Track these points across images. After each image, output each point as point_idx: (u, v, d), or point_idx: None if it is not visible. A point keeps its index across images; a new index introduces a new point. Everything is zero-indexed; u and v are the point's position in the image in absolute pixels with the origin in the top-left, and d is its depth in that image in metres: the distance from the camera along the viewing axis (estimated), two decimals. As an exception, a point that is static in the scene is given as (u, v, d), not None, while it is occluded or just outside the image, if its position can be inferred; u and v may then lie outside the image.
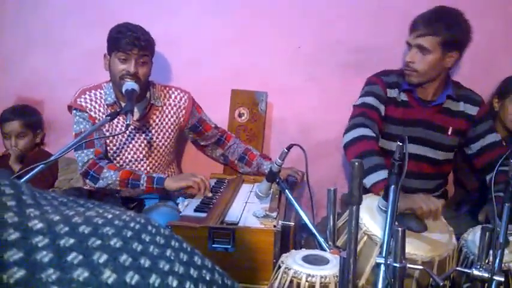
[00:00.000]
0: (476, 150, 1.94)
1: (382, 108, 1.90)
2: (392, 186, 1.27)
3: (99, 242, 0.38)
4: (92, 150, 1.90)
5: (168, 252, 0.42)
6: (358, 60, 2.30)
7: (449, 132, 1.93)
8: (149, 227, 0.43)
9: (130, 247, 0.40)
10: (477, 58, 2.22)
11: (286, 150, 1.56)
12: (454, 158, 2.04)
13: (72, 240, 0.37)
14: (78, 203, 0.45)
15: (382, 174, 1.61)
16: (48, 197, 0.44)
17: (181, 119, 2.10)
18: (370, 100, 1.89)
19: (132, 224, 0.42)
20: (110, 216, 0.42)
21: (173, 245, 0.43)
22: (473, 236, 1.54)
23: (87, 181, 1.90)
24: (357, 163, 0.87)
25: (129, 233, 0.41)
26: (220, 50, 2.34)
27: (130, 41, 1.85)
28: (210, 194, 1.81)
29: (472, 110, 1.93)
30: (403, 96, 1.94)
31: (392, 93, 1.94)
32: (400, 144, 1.28)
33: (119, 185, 1.85)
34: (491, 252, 1.26)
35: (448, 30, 1.78)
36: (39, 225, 0.38)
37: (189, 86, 2.16)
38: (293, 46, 2.32)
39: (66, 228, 0.38)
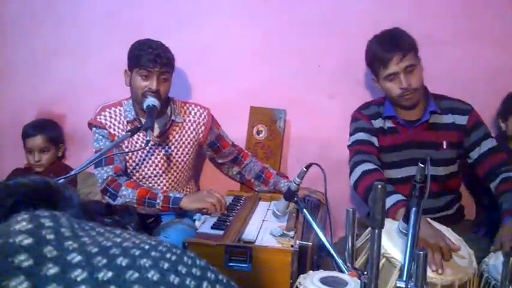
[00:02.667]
0: (475, 159, 1.92)
1: (374, 139, 1.94)
2: (414, 209, 1.25)
3: (136, 275, 0.38)
4: (111, 167, 1.92)
5: (205, 285, 0.42)
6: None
7: (444, 146, 1.93)
8: (185, 258, 0.43)
9: (167, 280, 0.40)
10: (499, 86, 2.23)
11: (304, 169, 1.55)
12: (460, 171, 2.02)
13: (110, 274, 0.37)
14: (115, 233, 0.45)
15: (395, 197, 1.63)
16: (86, 227, 0.44)
17: (201, 135, 2.11)
18: (360, 136, 1.94)
19: (168, 255, 0.42)
20: (147, 247, 0.42)
21: (209, 277, 0.43)
22: (495, 260, 1.50)
23: (106, 198, 1.92)
24: (379, 186, 0.86)
25: (166, 265, 0.41)
26: (240, 67, 2.36)
27: (151, 58, 1.87)
28: (226, 212, 1.80)
29: (462, 120, 1.92)
30: (388, 123, 1.96)
31: (376, 123, 1.96)
32: (422, 166, 1.26)
33: (136, 203, 1.87)
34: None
35: (410, 40, 1.87)
36: (78, 258, 0.38)
37: (208, 103, 2.18)
38: (313, 64, 2.33)
39: (104, 261, 0.38)
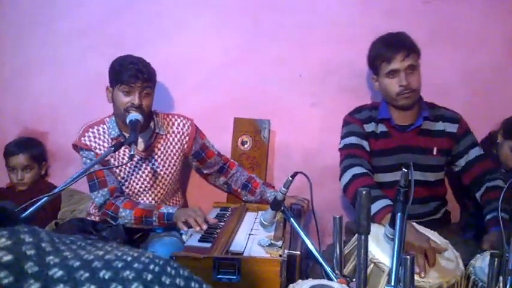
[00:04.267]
0: (461, 166, 1.97)
1: (365, 143, 1.96)
2: (399, 214, 1.26)
3: (120, 287, 0.38)
4: (106, 189, 1.93)
5: None
6: (360, 85, 2.33)
7: (435, 153, 1.96)
8: (168, 269, 0.43)
9: None
10: (478, 85, 2.29)
11: (290, 179, 1.55)
12: (447, 179, 2.05)
13: (93, 287, 0.37)
14: (97, 246, 0.45)
15: (382, 203, 1.65)
16: (66, 241, 0.43)
17: (185, 146, 2.11)
18: (352, 140, 1.96)
19: (151, 267, 0.42)
20: (129, 258, 0.42)
21: (193, 287, 0.43)
22: (482, 262, 1.52)
23: (108, 219, 1.93)
24: (364, 192, 0.87)
25: (149, 276, 0.41)
26: (222, 79, 2.37)
27: (133, 74, 1.87)
28: (204, 227, 1.76)
29: (452, 128, 1.97)
30: (381, 127, 1.99)
31: (368, 127, 1.99)
32: (406, 170, 1.28)
33: (134, 223, 1.90)
34: (501, 279, 1.24)
35: (414, 43, 1.92)
36: (59, 273, 0.37)
37: (191, 114, 2.17)
38: (295, 73, 2.35)
39: (87, 275, 0.38)
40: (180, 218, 1.84)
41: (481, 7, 2.30)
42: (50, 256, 0.40)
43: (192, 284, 0.44)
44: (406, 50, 1.87)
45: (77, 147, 2.01)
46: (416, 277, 1.35)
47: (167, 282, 0.42)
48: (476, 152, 1.96)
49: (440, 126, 1.98)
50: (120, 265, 0.41)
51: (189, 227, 1.80)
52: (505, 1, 2.30)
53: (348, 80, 2.34)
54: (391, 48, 1.88)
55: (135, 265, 0.41)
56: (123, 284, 0.39)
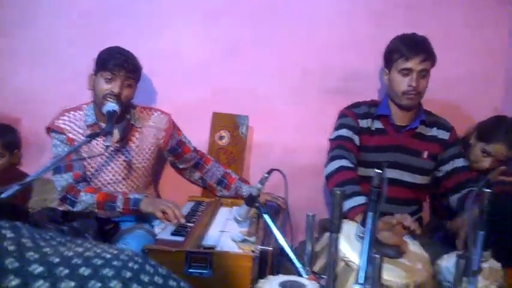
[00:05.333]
0: (445, 172, 2.03)
1: (356, 138, 1.99)
2: (370, 213, 1.28)
3: (99, 285, 0.38)
4: (70, 174, 1.89)
5: None
6: (340, 86, 2.36)
7: (425, 156, 2.02)
8: (147, 267, 0.43)
9: None
10: (458, 90, 2.36)
11: (266, 175, 1.56)
12: (429, 184, 2.08)
13: (72, 284, 0.37)
14: (76, 242, 0.45)
15: (358, 200, 1.69)
16: (46, 237, 0.43)
17: (161, 141, 2.10)
18: (344, 132, 1.99)
19: (130, 264, 0.42)
20: (108, 256, 0.42)
21: (171, 285, 0.43)
22: (448, 262, 1.56)
23: (66, 205, 1.87)
24: (338, 192, 0.88)
25: (128, 274, 0.41)
26: (202, 73, 2.36)
27: (118, 63, 1.87)
28: (183, 221, 1.74)
29: (445, 135, 2.04)
30: (378, 124, 2.03)
31: (364, 123, 2.03)
32: (379, 171, 1.30)
33: (96, 207, 1.84)
34: (465, 279, 1.28)
35: (433, 52, 1.96)
36: (40, 269, 0.37)
37: (170, 108, 2.16)
38: (276, 70, 2.36)
39: (66, 271, 0.38)
40: (157, 207, 1.80)
41: (462, 17, 2.35)
42: (30, 252, 0.39)
43: (170, 282, 0.45)
44: (425, 54, 1.91)
45: (49, 130, 1.97)
46: (385, 275, 1.38)
47: (146, 280, 0.42)
48: (461, 162, 2.03)
49: (434, 132, 2.04)
50: (99, 262, 0.41)
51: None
52: (485, 13, 2.36)
53: (329, 82, 2.36)
54: (413, 48, 1.92)
55: (114, 263, 0.42)
56: (103, 281, 0.39)
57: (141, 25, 2.33)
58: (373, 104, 2.07)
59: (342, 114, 2.07)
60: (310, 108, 2.38)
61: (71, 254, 0.41)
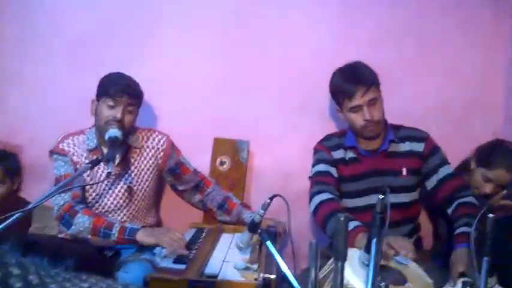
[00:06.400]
0: (433, 185, 2.00)
1: (333, 170, 2.00)
2: (374, 240, 1.27)
3: None
4: (69, 193, 1.87)
5: None
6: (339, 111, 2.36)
7: (404, 173, 1.99)
8: None
9: None
10: (455, 113, 2.37)
11: (268, 201, 1.55)
12: (419, 200, 2.08)
13: None
14: (81, 278, 0.45)
15: (352, 224, 1.70)
16: (52, 273, 0.43)
17: (159, 161, 2.10)
18: (320, 167, 2.01)
19: None
20: None
21: None
22: (453, 289, 1.54)
23: (61, 226, 1.85)
24: (342, 218, 0.88)
25: None
26: (204, 98, 2.38)
27: (120, 88, 1.89)
28: (185, 252, 1.71)
29: (419, 147, 2.01)
30: (350, 154, 2.03)
31: (337, 154, 2.03)
32: (381, 197, 1.30)
33: (90, 232, 1.81)
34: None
35: (373, 74, 1.95)
36: None
37: (171, 133, 2.17)
38: (277, 96, 2.38)
39: None
40: (160, 236, 1.78)
41: (460, 39, 2.38)
42: None
43: None
44: (365, 84, 1.89)
45: (52, 153, 1.98)
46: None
47: None
48: (446, 170, 1.99)
49: (406, 146, 2.01)
50: None
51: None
52: (476, 35, 2.39)
53: (329, 107, 2.38)
54: (351, 84, 1.91)
55: None
56: None
57: (142, 51, 2.35)
58: (342, 134, 2.07)
59: (316, 150, 2.08)
60: (310, 133, 2.37)
61: None
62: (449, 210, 1.94)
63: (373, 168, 2.00)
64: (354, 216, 1.78)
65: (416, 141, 2.02)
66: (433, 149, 2.02)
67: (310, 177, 2.04)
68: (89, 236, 1.82)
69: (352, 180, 2.01)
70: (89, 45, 2.35)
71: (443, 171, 1.99)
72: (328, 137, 2.10)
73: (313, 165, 2.05)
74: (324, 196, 1.87)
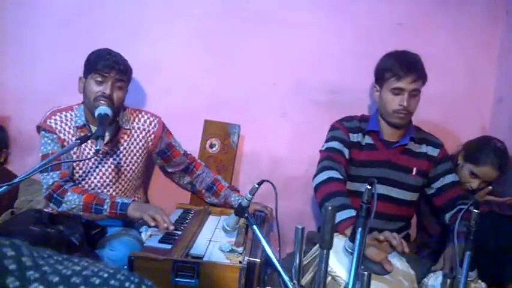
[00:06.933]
0: (436, 189, 2.04)
1: (346, 151, 1.99)
2: (360, 229, 1.29)
3: None
4: (58, 172, 1.85)
5: None
6: (330, 100, 2.38)
7: (414, 173, 2.02)
8: (143, 287, 0.44)
9: None
10: (445, 108, 2.39)
11: (256, 186, 1.55)
12: (417, 201, 2.10)
13: None
14: (73, 261, 0.45)
15: (347, 213, 1.68)
16: (44, 255, 0.43)
17: (150, 143, 2.08)
18: (334, 144, 1.99)
19: (127, 284, 0.42)
20: (105, 275, 0.42)
21: None
22: (434, 281, 1.57)
23: (51, 205, 1.84)
24: (330, 207, 0.88)
25: None
26: (196, 80, 2.36)
27: (108, 64, 1.85)
28: (171, 228, 1.72)
29: (434, 152, 2.05)
30: (368, 139, 2.03)
31: (355, 137, 2.03)
32: (369, 187, 1.31)
33: (82, 209, 1.81)
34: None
35: (425, 73, 1.95)
36: None
37: (162, 113, 2.15)
38: (269, 82, 2.37)
39: None
40: (145, 211, 1.78)
41: (450, 36, 2.39)
42: (31, 271, 0.40)
43: None
44: (417, 74, 1.91)
45: (39, 129, 1.95)
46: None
47: None
48: (452, 178, 2.04)
49: (423, 148, 2.05)
50: (97, 281, 0.41)
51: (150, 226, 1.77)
52: (474, 32, 2.40)
53: (320, 95, 2.38)
54: (405, 67, 1.91)
55: (112, 282, 0.42)
56: None
57: (134, 32, 2.32)
58: (363, 119, 2.07)
59: (333, 127, 2.07)
60: (300, 121, 2.39)
61: (69, 272, 0.42)
62: (448, 215, 1.98)
63: (387, 159, 2.01)
64: (353, 200, 1.77)
65: (432, 146, 2.06)
66: (445, 157, 2.07)
67: (321, 151, 2.02)
68: (81, 213, 1.82)
69: (364, 166, 2.01)
70: (80, 23, 2.31)
71: (449, 179, 2.03)
72: (349, 118, 2.08)
73: (328, 141, 2.03)
74: (334, 174, 1.85)
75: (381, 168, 2.01)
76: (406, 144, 2.02)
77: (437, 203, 2.04)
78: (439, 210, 2.04)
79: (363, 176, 1.98)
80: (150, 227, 1.77)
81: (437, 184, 2.03)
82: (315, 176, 1.91)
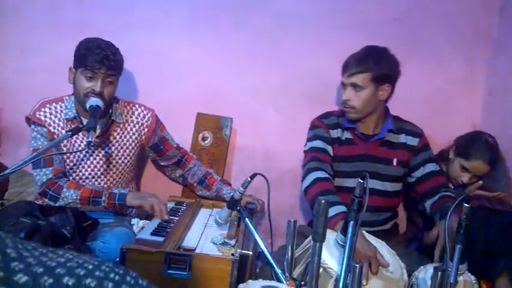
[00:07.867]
0: (417, 178, 2.04)
1: (329, 148, 2.01)
2: (351, 222, 1.30)
3: None
4: (50, 169, 1.84)
5: None
6: (322, 94, 2.38)
7: (395, 163, 2.02)
8: (128, 278, 0.44)
9: None
10: (438, 103, 2.40)
11: (249, 179, 1.56)
12: (402, 191, 2.11)
13: None
14: (58, 253, 0.45)
15: (337, 209, 1.69)
16: (28, 247, 0.44)
17: (143, 137, 2.07)
18: (317, 143, 2.00)
19: (112, 275, 0.43)
20: (90, 266, 0.42)
21: None
22: (424, 273, 1.58)
23: (47, 200, 1.83)
24: (323, 201, 0.89)
25: (110, 285, 0.41)
26: (190, 73, 2.36)
27: (98, 59, 1.80)
28: (166, 217, 1.77)
29: (413, 141, 2.05)
30: (347, 134, 2.04)
31: (334, 133, 2.04)
32: (361, 181, 1.31)
33: (79, 203, 1.82)
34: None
35: (377, 65, 1.91)
36: (24, 279, 0.37)
37: (155, 105, 2.14)
38: (261, 75, 2.37)
39: (51, 280, 0.38)
40: (144, 199, 1.81)
41: (443, 32, 2.39)
42: (15, 262, 0.39)
43: None
44: (355, 68, 1.91)
45: (29, 121, 1.91)
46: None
47: None
48: (433, 166, 2.03)
49: (402, 138, 2.04)
50: (82, 272, 0.41)
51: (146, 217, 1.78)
52: (466, 27, 2.40)
53: (312, 88, 2.38)
54: (348, 62, 1.94)
55: (97, 273, 0.42)
56: None
57: (128, 21, 2.30)
58: (341, 114, 2.07)
59: (314, 125, 2.07)
60: (293, 115, 2.39)
61: (54, 264, 0.42)
62: (430, 201, 1.97)
63: (366, 152, 2.02)
64: (340, 196, 1.79)
65: (412, 135, 2.05)
66: (425, 146, 2.06)
67: (305, 151, 2.03)
68: (78, 206, 1.83)
69: (344, 161, 2.02)
70: (73, 12, 2.29)
71: (430, 167, 2.03)
72: (327, 115, 2.09)
73: (310, 140, 2.04)
74: (320, 174, 1.87)
75: (360, 161, 2.02)
76: (384, 137, 2.02)
77: (419, 191, 2.05)
78: (421, 198, 2.05)
79: (344, 171, 2.00)
80: (141, 219, 1.78)
81: (418, 173, 2.03)
82: (303, 179, 1.92)
